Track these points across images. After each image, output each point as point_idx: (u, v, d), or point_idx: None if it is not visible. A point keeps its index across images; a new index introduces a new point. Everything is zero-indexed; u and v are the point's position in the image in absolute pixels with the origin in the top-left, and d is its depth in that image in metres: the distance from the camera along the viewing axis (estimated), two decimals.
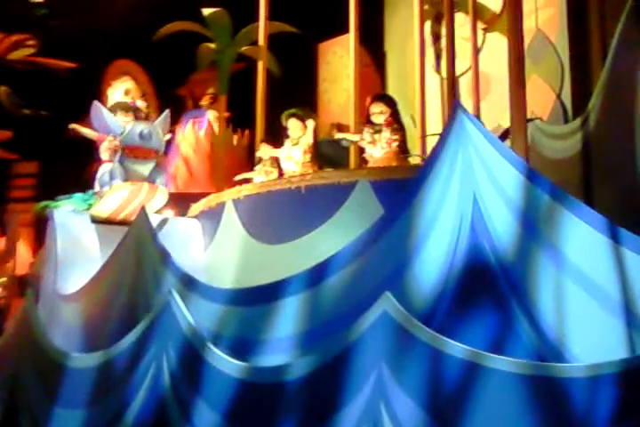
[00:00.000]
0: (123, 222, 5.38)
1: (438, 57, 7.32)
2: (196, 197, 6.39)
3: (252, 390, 3.01)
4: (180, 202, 6.87)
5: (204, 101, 10.14)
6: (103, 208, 5.14)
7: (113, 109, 5.69)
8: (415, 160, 5.85)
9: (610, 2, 5.53)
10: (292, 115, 6.02)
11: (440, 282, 3.07)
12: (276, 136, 7.01)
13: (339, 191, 4.42)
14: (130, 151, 5.03)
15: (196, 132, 9.03)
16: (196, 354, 3.20)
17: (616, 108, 5.01)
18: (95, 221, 5.30)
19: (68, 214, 5.30)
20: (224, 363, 3.12)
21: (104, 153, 5.69)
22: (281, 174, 6.05)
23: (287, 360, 3.22)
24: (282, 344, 3.29)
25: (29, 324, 3.94)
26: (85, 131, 6.07)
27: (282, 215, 4.62)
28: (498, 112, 6.64)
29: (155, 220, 5.41)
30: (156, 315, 3.35)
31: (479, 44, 6.96)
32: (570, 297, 3.10)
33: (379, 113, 5.43)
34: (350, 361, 2.82)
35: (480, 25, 6.93)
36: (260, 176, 6.45)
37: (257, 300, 3.41)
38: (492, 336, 3.03)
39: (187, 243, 5.47)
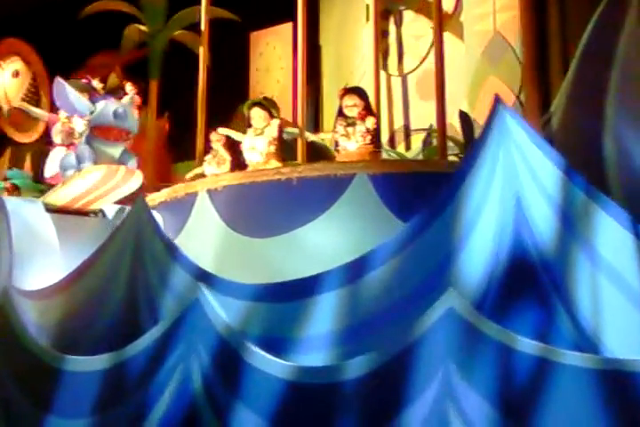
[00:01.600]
0: (78, 211, 4.96)
1: (385, 54, 7.31)
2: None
3: (301, 392, 2.83)
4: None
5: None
6: (64, 194, 4.68)
7: None
8: (387, 155, 5.81)
9: (569, 4, 5.73)
10: (256, 104, 5.81)
11: (485, 277, 3.02)
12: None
13: (335, 184, 4.28)
14: (100, 132, 4.56)
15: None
16: (233, 355, 2.96)
17: (583, 107, 5.19)
18: (49, 209, 4.85)
19: (21, 202, 4.80)
20: (267, 363, 2.91)
21: (56, 136, 5.23)
22: (243, 165, 5.82)
23: (325, 359, 3.07)
24: (318, 342, 3.11)
25: (7, 323, 3.52)
26: (34, 110, 5.57)
27: (270, 208, 4.41)
28: (448, 110, 6.74)
29: (111, 209, 5.05)
30: (182, 313, 3.07)
31: (428, 43, 7.02)
32: (604, 293, 3.14)
33: (352, 106, 5.33)
34: (414, 359, 2.72)
35: (430, 24, 6.99)
36: (212, 166, 6.18)
37: (288, 296, 3.22)
38: (537, 331, 3.01)
39: None
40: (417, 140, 6.91)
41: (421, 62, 6.98)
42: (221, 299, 3.23)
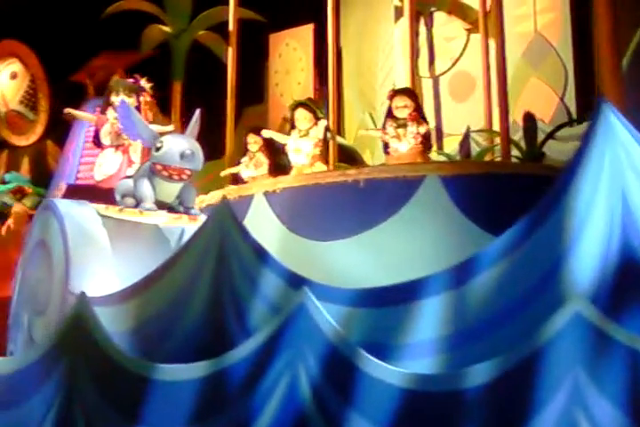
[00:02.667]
0: None
1: (415, 56, 7.26)
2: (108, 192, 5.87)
3: (421, 400, 2.74)
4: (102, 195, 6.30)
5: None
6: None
7: (114, 89, 5.09)
8: (437, 156, 5.76)
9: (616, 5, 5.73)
10: (301, 104, 5.72)
11: (595, 280, 2.96)
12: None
13: (404, 186, 4.21)
14: (163, 169, 4.30)
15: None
16: (345, 362, 2.86)
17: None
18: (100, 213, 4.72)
19: (72, 204, 4.65)
20: (383, 371, 2.82)
21: (105, 137, 5.07)
22: (282, 168, 5.73)
23: (430, 366, 2.98)
24: (422, 349, 3.03)
25: (87, 332, 3.38)
26: (81, 114, 5.42)
27: (335, 210, 4.32)
28: (483, 111, 6.71)
29: (173, 233, 4.88)
30: (286, 319, 2.97)
31: (460, 44, 7.00)
32: None
33: (403, 107, 5.28)
34: (540, 366, 2.64)
35: (464, 25, 6.96)
36: (249, 169, 6.08)
37: (391, 301, 3.12)
38: None
39: None
40: (450, 143, 6.88)
41: (454, 64, 6.96)
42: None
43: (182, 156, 4.22)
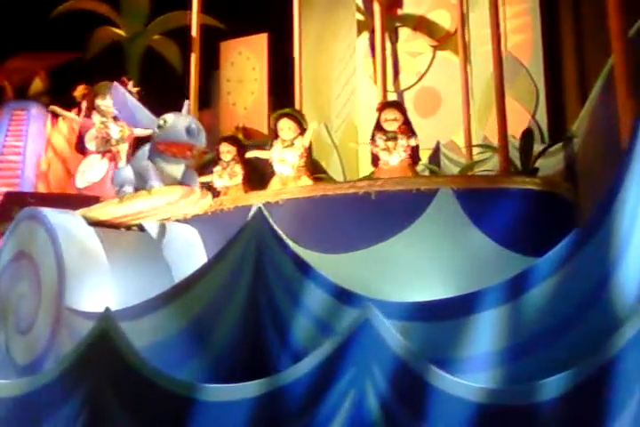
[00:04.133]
0: (115, 225, 4.57)
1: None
2: (74, 199, 5.63)
3: (495, 414, 2.71)
4: (54, 204, 6.06)
5: (78, 93, 9.03)
6: (118, 211, 4.26)
7: (100, 92, 4.82)
8: (422, 169, 5.76)
9: (584, 28, 5.99)
10: (285, 115, 5.62)
11: None
12: None
13: (417, 199, 4.18)
14: (167, 148, 4.09)
15: (70, 125, 7.91)
16: (415, 377, 2.79)
17: (605, 131, 5.41)
18: (89, 223, 4.43)
19: (60, 214, 4.33)
20: (455, 386, 2.77)
21: (90, 142, 4.80)
22: (257, 178, 5.60)
23: (488, 379, 2.97)
24: (479, 362, 3.00)
25: (116, 351, 3.13)
26: (67, 114, 5.09)
27: (344, 222, 4.24)
28: (449, 128, 6.83)
29: (153, 227, 4.68)
30: (350, 335, 2.86)
31: (426, 60, 7.10)
32: None
33: (392, 120, 5.28)
34: (611, 378, 2.67)
35: (430, 42, 7.07)
36: (223, 179, 5.91)
37: (446, 315, 3.08)
38: None
39: (188, 251, 4.80)
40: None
41: (420, 79, 7.06)
42: None
43: (188, 130, 4.04)
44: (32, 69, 9.57)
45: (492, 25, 5.08)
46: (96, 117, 4.79)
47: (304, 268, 3.29)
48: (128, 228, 4.60)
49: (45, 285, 4.17)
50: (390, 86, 7.23)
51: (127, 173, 4.25)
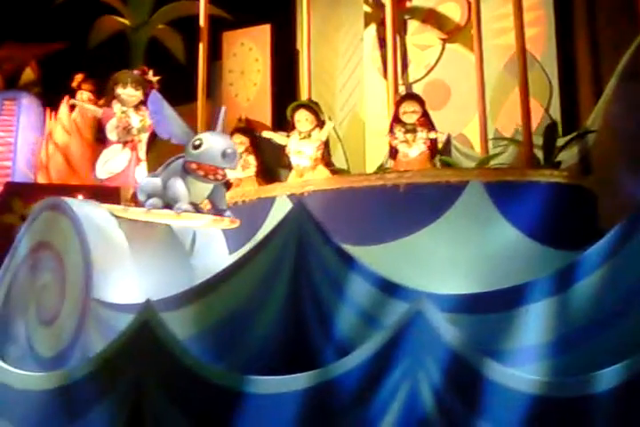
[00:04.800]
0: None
1: (386, 62, 7.26)
2: (75, 190, 5.55)
3: (551, 406, 2.70)
4: (55, 195, 5.97)
5: (75, 82, 8.87)
6: (134, 215, 4.18)
7: (121, 81, 4.74)
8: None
9: (598, 22, 6.00)
10: (302, 106, 5.59)
11: None
12: None
13: (447, 191, 4.18)
14: (199, 168, 3.97)
15: (71, 114, 7.76)
16: (470, 369, 2.77)
17: (623, 125, 5.44)
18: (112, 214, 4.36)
19: (85, 204, 4.26)
20: (511, 377, 2.76)
21: (111, 132, 4.71)
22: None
23: (536, 371, 2.97)
24: (527, 354, 3.00)
25: (158, 343, 3.08)
26: (87, 106, 5.00)
27: (372, 214, 4.23)
28: (458, 121, 6.81)
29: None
30: (402, 327, 2.84)
31: (435, 53, 7.08)
32: None
33: (411, 112, 5.28)
34: None
35: (439, 35, 7.05)
36: (236, 171, 5.86)
37: (494, 307, 3.08)
38: None
39: (208, 243, 4.75)
40: None
41: (429, 72, 7.03)
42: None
43: (224, 155, 3.95)
44: (23, 59, 9.41)
45: (515, 17, 5.06)
46: (117, 107, 4.71)
47: (348, 260, 3.26)
48: None
49: (70, 276, 4.09)
50: (399, 79, 7.21)
51: (157, 184, 4.15)
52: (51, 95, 7.82)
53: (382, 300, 3.17)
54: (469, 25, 6.78)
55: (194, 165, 4.03)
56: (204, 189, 4.16)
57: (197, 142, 4.02)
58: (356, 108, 7.77)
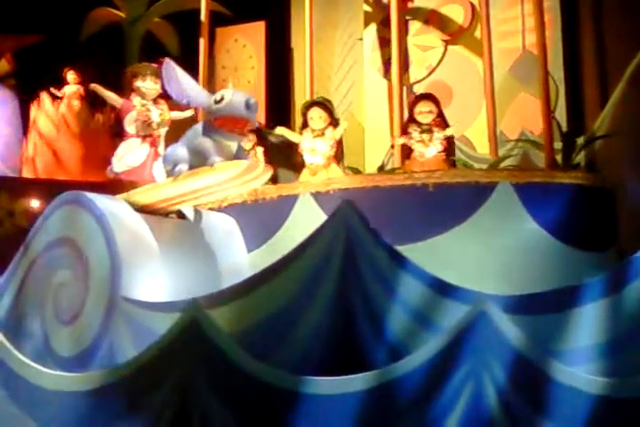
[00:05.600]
0: (155, 212, 4.37)
1: (387, 62, 7.24)
2: (63, 185, 5.43)
3: (616, 407, 2.71)
4: (43, 190, 5.85)
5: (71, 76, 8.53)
6: (159, 193, 4.06)
7: (140, 73, 4.61)
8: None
9: (604, 26, 6.07)
10: (315, 103, 5.54)
11: None
12: None
13: (476, 192, 4.17)
14: (224, 123, 3.91)
15: (58, 107, 7.55)
16: (535, 370, 2.76)
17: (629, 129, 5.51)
18: (135, 208, 4.23)
19: (107, 200, 4.12)
20: (576, 378, 2.75)
21: (130, 125, 4.58)
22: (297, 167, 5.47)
23: (591, 372, 2.97)
24: (582, 355, 3.01)
25: (208, 342, 2.99)
26: (108, 94, 4.83)
27: (400, 214, 4.19)
28: (460, 122, 6.82)
29: (189, 213, 4.54)
30: (465, 327, 2.81)
31: (437, 54, 7.09)
32: None
33: (427, 112, 5.28)
34: None
35: (442, 36, 7.06)
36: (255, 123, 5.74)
37: (548, 308, 3.07)
38: None
39: (226, 240, 4.66)
40: None
41: (430, 73, 7.03)
42: (463, 309, 3.01)
43: (247, 105, 3.92)
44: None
45: (535, 19, 5.10)
46: (136, 100, 4.58)
47: (400, 259, 3.22)
48: (166, 215, 4.44)
49: (94, 273, 3.96)
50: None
51: (182, 151, 4.08)
52: (28, 88, 7.60)
53: (437, 301, 3.14)
54: (472, 27, 6.84)
55: (219, 121, 3.97)
56: (231, 146, 4.09)
57: (219, 97, 3.99)
58: (352, 109, 7.76)
